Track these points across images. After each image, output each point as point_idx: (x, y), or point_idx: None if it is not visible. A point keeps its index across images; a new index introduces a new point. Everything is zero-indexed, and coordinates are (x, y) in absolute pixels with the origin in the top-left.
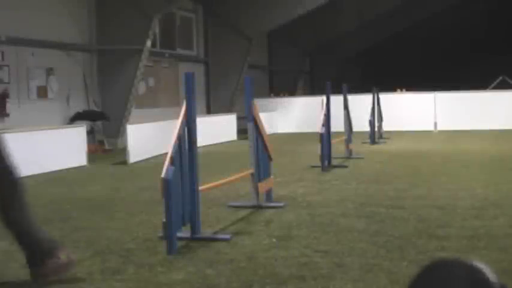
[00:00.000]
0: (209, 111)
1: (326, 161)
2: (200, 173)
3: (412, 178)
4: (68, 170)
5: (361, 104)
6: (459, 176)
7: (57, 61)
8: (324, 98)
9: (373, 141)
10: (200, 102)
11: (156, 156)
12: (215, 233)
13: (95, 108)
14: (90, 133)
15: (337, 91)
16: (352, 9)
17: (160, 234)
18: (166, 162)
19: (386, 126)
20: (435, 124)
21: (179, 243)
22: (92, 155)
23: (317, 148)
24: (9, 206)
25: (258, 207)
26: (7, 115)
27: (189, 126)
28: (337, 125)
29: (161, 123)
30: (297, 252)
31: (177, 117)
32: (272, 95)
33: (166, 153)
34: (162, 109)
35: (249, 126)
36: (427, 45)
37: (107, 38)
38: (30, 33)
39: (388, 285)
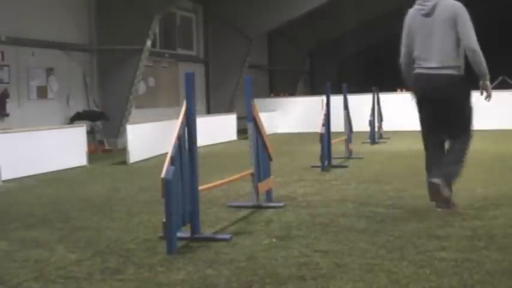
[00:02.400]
0: (209, 111)
1: (326, 161)
2: (200, 173)
3: (412, 178)
4: (68, 170)
5: (361, 104)
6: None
7: (57, 61)
8: (324, 98)
9: (373, 141)
10: (200, 102)
11: (156, 156)
12: (215, 233)
13: (95, 108)
14: (90, 133)
15: (337, 91)
16: (352, 9)
17: (161, 234)
18: (166, 162)
19: (386, 126)
20: None
21: (179, 243)
22: (92, 155)
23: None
24: None
25: (258, 207)
26: (7, 115)
27: (189, 126)
28: (337, 125)
29: (161, 123)
30: (297, 252)
31: (177, 117)
32: (272, 95)
33: (166, 153)
34: (162, 109)
35: (249, 126)
36: None
37: (107, 38)
38: (30, 33)
39: (388, 285)
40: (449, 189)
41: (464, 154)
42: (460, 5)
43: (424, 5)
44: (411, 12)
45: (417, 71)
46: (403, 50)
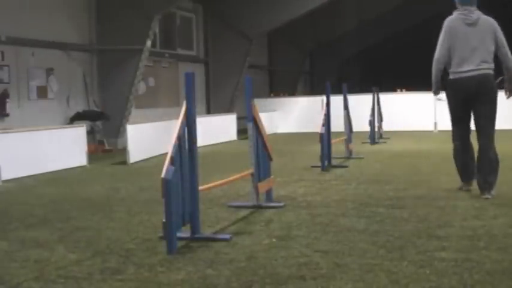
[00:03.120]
0: (209, 111)
1: (326, 161)
2: (200, 173)
3: (412, 178)
4: (68, 170)
5: (361, 104)
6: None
7: (57, 61)
8: (324, 98)
9: (373, 141)
10: (200, 102)
11: (156, 156)
12: (215, 233)
13: (95, 108)
14: (90, 133)
15: (337, 91)
16: (352, 9)
17: (161, 234)
18: (166, 162)
19: (386, 126)
20: (435, 124)
21: (179, 243)
22: (92, 155)
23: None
24: None
25: (258, 207)
26: (7, 115)
27: (189, 126)
28: (337, 125)
29: (161, 123)
30: (297, 252)
31: (177, 117)
32: (272, 95)
33: (166, 153)
34: (162, 109)
35: (249, 126)
36: (427, 45)
37: (107, 38)
38: (30, 33)
39: (388, 285)
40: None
41: (498, 161)
42: (495, 21)
43: (470, 16)
44: (453, 19)
45: (459, 74)
46: (442, 50)
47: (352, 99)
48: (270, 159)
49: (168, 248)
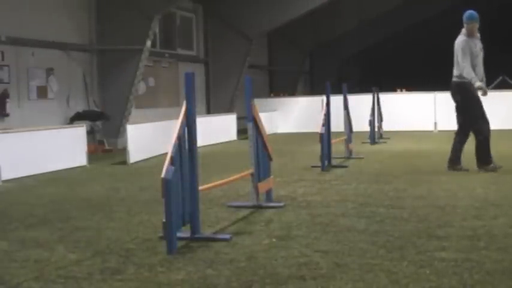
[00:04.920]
0: (209, 111)
1: (326, 161)
2: (200, 173)
3: (412, 178)
4: (68, 170)
5: (361, 104)
6: (459, 175)
7: (57, 61)
8: (324, 98)
9: (373, 141)
10: (200, 102)
11: (156, 156)
12: (215, 233)
13: (95, 108)
14: (90, 133)
15: (337, 91)
16: (352, 9)
17: (161, 234)
18: (166, 162)
19: (386, 126)
20: (435, 124)
21: (179, 243)
22: (92, 155)
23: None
24: None
25: (258, 207)
26: (7, 115)
27: (189, 126)
28: (337, 125)
29: (161, 123)
30: (297, 252)
31: (177, 117)
32: (272, 95)
33: (166, 153)
34: (162, 109)
35: (249, 126)
36: (427, 45)
37: (107, 38)
38: (30, 33)
39: (388, 285)
40: None
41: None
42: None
43: None
44: None
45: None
46: None
47: (352, 99)
48: (270, 159)
49: (168, 248)
